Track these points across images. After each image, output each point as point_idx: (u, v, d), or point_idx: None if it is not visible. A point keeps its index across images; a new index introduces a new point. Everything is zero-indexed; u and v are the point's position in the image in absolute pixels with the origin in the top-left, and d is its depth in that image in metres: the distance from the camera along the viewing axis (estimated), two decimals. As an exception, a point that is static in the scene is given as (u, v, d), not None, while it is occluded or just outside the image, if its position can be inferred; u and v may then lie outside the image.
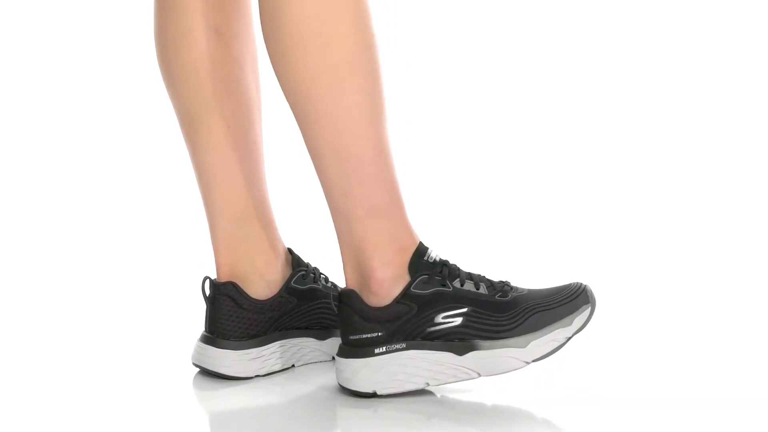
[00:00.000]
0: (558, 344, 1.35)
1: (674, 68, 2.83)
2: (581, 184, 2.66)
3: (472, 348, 1.35)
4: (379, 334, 1.35)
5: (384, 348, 1.35)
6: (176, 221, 2.48)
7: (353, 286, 1.38)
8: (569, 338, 1.36)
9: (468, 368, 1.35)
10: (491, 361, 1.35)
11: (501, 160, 2.77)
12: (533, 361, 1.35)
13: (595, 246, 2.28)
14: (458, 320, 1.35)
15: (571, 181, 2.67)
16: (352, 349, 1.36)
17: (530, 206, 2.57)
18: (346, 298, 1.37)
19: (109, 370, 1.54)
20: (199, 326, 1.51)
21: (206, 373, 1.47)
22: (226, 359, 1.44)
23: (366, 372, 1.35)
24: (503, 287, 1.38)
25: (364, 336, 1.36)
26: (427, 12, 2.92)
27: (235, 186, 1.46)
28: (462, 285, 1.37)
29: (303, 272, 1.50)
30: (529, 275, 1.86)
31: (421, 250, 1.37)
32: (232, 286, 1.45)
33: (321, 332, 1.51)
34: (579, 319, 1.36)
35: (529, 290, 1.38)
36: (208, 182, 1.47)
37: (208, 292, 1.46)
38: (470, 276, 1.39)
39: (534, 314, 1.35)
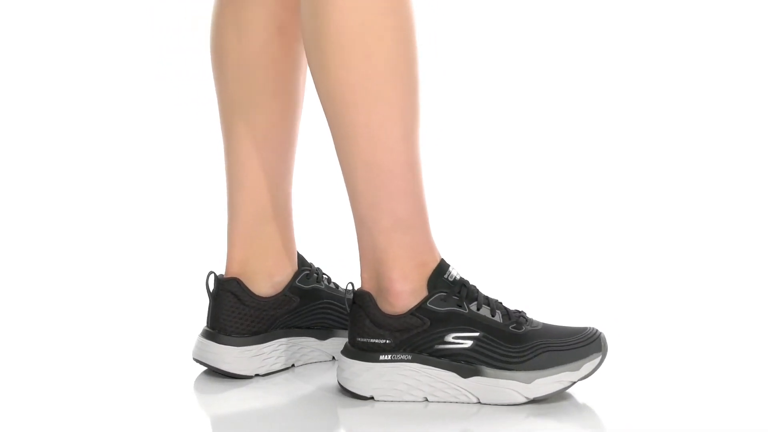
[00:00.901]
0: (562, 386, 1.34)
1: (676, 71, 2.83)
2: (599, 195, 2.65)
3: (477, 373, 1.34)
4: (388, 341, 1.35)
5: (389, 356, 1.35)
6: (184, 218, 2.48)
7: (370, 290, 1.37)
8: (574, 383, 1.35)
9: (469, 392, 1.35)
10: (493, 389, 1.34)
11: (510, 169, 2.76)
12: (534, 398, 1.34)
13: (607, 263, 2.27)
14: (468, 343, 1.35)
15: (591, 194, 2.65)
16: (358, 352, 1.36)
17: (541, 218, 2.55)
18: (360, 300, 1.37)
19: (111, 368, 1.54)
20: (202, 322, 1.51)
21: (207, 370, 1.47)
22: (228, 355, 1.44)
23: (368, 376, 1.36)
24: (518, 318, 1.37)
25: (372, 341, 1.36)
26: (426, 12, 2.92)
27: (263, 184, 1.47)
28: (478, 309, 1.36)
29: (307, 272, 1.50)
30: (541, 289, 1.87)
31: (442, 268, 1.37)
32: (236, 282, 1.45)
33: (322, 332, 1.52)
34: (588, 366, 1.35)
35: (544, 325, 1.37)
36: (237, 177, 1.47)
37: (212, 288, 1.47)
38: (488, 301, 1.38)
39: (544, 352, 1.34)
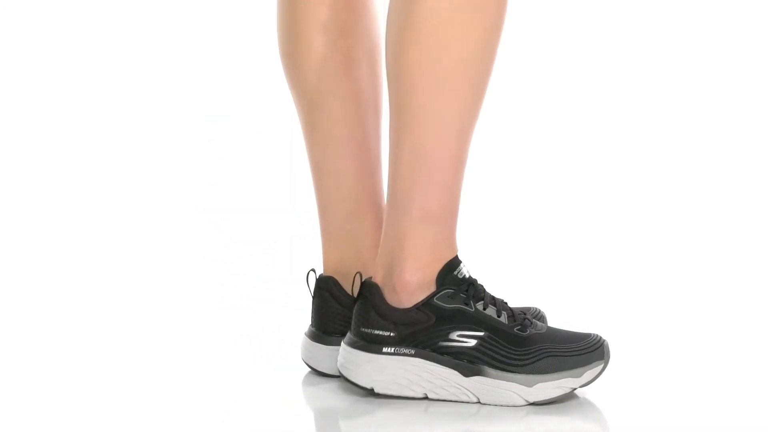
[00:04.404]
0: (563, 392, 1.34)
1: (677, 72, 2.83)
2: (609, 197, 2.64)
3: (479, 372, 1.34)
4: (392, 334, 1.35)
5: (393, 349, 1.35)
6: (290, 216, 2.46)
7: (378, 281, 1.37)
8: (574, 389, 1.34)
9: (470, 391, 1.34)
10: (494, 390, 1.33)
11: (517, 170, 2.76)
12: (534, 402, 1.33)
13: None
14: (472, 342, 1.34)
15: (601, 196, 2.64)
16: (361, 342, 1.36)
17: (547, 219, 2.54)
18: (368, 291, 1.36)
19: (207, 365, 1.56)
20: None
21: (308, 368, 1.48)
22: (318, 354, 1.45)
23: (369, 368, 1.35)
24: (523, 320, 1.36)
25: (376, 332, 1.35)
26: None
27: (342, 182, 1.46)
28: (484, 308, 1.36)
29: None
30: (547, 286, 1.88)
31: (453, 264, 1.36)
32: (331, 281, 1.45)
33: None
34: (590, 373, 1.34)
35: (549, 328, 1.37)
36: (317, 177, 1.48)
37: (312, 286, 1.47)
38: (494, 301, 1.37)
39: (547, 357, 1.33)
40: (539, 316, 1.50)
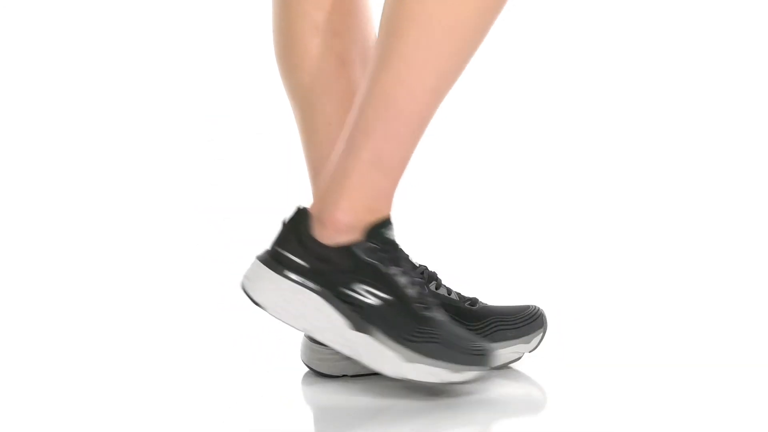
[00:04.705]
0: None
1: (677, 72, 2.83)
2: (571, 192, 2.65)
3: (368, 332, 1.34)
4: (304, 264, 1.35)
5: (299, 278, 1.35)
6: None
7: (312, 211, 1.36)
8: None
9: (350, 345, 1.34)
10: (376, 354, 1.34)
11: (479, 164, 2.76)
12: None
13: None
14: (376, 301, 1.35)
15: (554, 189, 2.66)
16: (272, 261, 1.36)
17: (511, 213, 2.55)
18: (298, 216, 1.36)
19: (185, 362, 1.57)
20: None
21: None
22: (317, 355, 1.45)
23: (270, 286, 1.35)
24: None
25: (290, 256, 1.35)
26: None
27: None
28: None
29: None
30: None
31: (386, 222, 1.37)
32: None
33: None
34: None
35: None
36: (314, 177, 1.49)
37: None
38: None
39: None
40: (538, 314, 1.50)
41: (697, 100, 2.76)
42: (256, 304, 1.36)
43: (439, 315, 1.37)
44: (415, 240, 1.60)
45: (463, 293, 1.50)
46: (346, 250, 1.35)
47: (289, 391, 1.42)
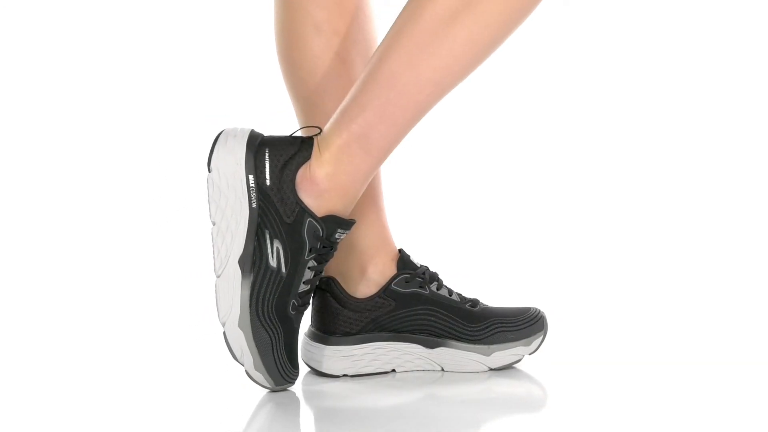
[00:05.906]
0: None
1: (676, 73, 2.83)
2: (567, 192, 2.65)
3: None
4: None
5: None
6: None
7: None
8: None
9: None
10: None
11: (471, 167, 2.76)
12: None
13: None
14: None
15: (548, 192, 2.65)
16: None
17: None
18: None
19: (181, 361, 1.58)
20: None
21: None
22: (318, 353, 1.46)
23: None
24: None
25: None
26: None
27: None
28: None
29: (407, 275, 1.47)
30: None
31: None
32: (332, 281, 1.46)
33: (430, 340, 1.48)
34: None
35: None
36: None
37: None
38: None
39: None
40: (538, 316, 1.50)
41: (697, 100, 2.76)
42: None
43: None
44: (416, 241, 1.62)
45: (464, 294, 1.50)
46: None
47: (290, 391, 1.42)
